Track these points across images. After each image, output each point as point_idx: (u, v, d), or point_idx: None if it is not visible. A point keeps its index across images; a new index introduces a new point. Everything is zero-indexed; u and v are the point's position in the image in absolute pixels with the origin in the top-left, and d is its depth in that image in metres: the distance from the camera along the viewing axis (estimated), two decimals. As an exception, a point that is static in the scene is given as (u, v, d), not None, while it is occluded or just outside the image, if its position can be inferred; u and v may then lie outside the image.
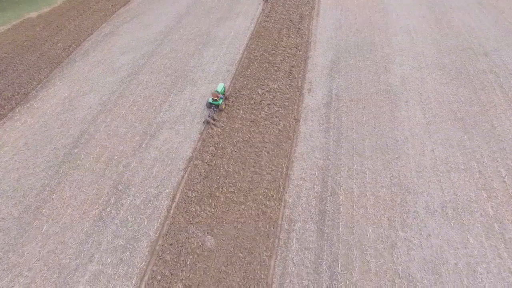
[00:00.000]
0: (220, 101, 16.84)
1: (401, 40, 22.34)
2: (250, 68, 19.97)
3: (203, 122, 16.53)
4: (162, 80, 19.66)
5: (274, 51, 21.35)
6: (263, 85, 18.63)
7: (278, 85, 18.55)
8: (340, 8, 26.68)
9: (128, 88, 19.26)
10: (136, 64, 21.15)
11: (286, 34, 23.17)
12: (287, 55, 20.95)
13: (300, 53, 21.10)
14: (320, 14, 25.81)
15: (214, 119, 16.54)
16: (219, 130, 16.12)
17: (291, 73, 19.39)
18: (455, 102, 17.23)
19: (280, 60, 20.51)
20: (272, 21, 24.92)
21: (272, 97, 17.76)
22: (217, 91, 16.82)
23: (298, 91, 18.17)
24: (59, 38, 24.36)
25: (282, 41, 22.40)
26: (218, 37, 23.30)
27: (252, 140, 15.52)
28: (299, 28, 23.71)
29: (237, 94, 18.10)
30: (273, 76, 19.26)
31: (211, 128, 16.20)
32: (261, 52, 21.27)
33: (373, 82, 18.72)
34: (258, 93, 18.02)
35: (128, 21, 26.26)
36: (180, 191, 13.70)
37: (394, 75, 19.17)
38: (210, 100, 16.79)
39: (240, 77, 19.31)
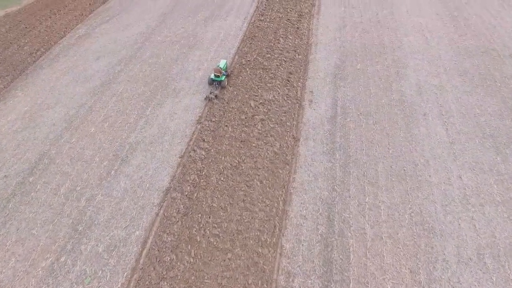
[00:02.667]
0: (223, 78, 16.39)
1: (414, 41, 19.87)
2: (242, 76, 17.48)
3: (205, 99, 16.13)
4: (139, 90, 17.17)
5: (269, 55, 18.86)
6: (256, 95, 16.15)
7: (274, 96, 16.08)
8: (343, 4, 24.15)
9: (100, 100, 16.77)
10: (111, 71, 18.64)
11: (283, 35, 20.66)
12: (285, 59, 18.46)
13: (300, 57, 18.61)
14: (321, 12, 23.29)
15: (216, 96, 16.08)
16: (203, 153, 13.66)
17: (289, 81, 16.91)
18: (482, 115, 14.81)
19: (277, 65, 18.02)
20: (268, 20, 22.40)
21: (266, 111, 15.29)
22: (219, 67, 16.36)
23: (297, 103, 15.71)
24: (26, 41, 21.82)
25: (278, 43, 19.89)
26: (205, 39, 20.77)
27: (242, 166, 13.07)
28: (297, 28, 21.20)
29: (226, 108, 15.62)
30: (268, 84, 16.78)
31: (212, 104, 15.84)
32: (255, 56, 18.78)
33: (384, 91, 16.27)
34: (251, 106, 15.56)
35: (107, 21, 23.70)
36: (153, 233, 11.28)
37: (409, 82, 16.72)
38: (213, 76, 16.33)
39: (230, 86, 16.83)
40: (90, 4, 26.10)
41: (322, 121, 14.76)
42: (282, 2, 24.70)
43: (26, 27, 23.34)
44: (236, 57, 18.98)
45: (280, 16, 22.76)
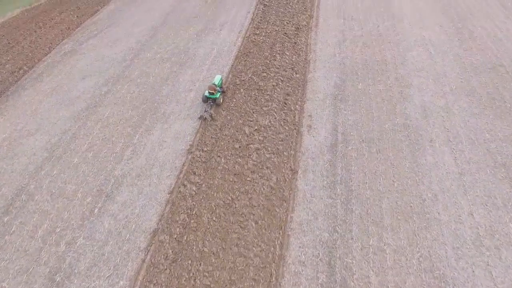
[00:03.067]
0: (218, 95, 15.84)
1: (417, 56, 19.09)
2: (236, 98, 16.64)
3: (199, 118, 15.62)
4: (126, 114, 16.30)
5: (265, 74, 18.02)
6: (251, 121, 15.31)
7: (270, 121, 15.24)
8: (342, 16, 23.35)
9: (84, 127, 15.89)
10: (97, 93, 17.76)
11: (279, 50, 19.84)
12: (281, 78, 17.63)
13: (297, 75, 17.78)
14: (319, 25, 22.47)
15: (212, 116, 15.58)
16: (194, 188, 12.80)
17: (286, 103, 16.08)
18: (492, 141, 14.04)
19: (273, 85, 17.18)
20: (263, 34, 21.57)
21: (262, 139, 14.45)
22: (214, 84, 15.82)
23: (295, 129, 14.88)
24: (8, 58, 20.93)
25: (275, 60, 19.06)
26: (198, 56, 19.92)
27: (235, 204, 12.22)
28: (295, 43, 20.38)
29: (218, 135, 14.77)
30: (264, 108, 15.94)
31: (206, 125, 15.31)
32: (250, 75, 17.94)
33: (387, 114, 15.46)
34: (245, 133, 14.71)
35: (94, 36, 22.81)
36: (138, 283, 10.40)
37: (413, 104, 15.92)
38: (207, 93, 15.78)
39: (223, 110, 15.99)
40: (77, 16, 25.22)
41: (322, 150, 13.92)
42: (279, 13, 23.88)
43: (8, 43, 22.44)
44: (230, 76, 18.14)
45: (277, 29, 21.94)
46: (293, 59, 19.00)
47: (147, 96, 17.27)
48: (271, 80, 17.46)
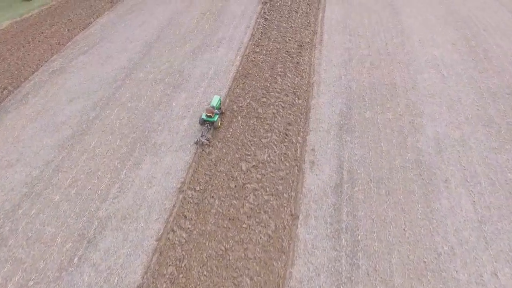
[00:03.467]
0: (216, 118, 15.20)
1: (429, 79, 18.01)
2: (233, 127, 15.63)
3: (195, 143, 14.93)
4: (114, 145, 15.31)
5: (265, 99, 17.00)
6: (248, 155, 14.28)
7: (269, 156, 14.20)
8: (348, 32, 22.30)
9: (68, 157, 14.92)
10: (84, 118, 16.80)
11: (281, 71, 18.81)
12: (282, 105, 16.60)
13: (300, 101, 16.74)
14: (324, 42, 21.42)
15: (208, 140, 14.94)
16: (184, 235, 11.77)
17: (287, 135, 15.04)
18: (514, 182, 12.90)
19: (273, 113, 16.15)
20: (264, 52, 20.55)
21: (260, 177, 13.41)
22: (212, 106, 15.20)
23: (296, 165, 13.82)
24: (-7, 77, 20.01)
25: (275, 82, 18.03)
26: (193, 77, 18.92)
27: (229, 255, 11.19)
28: (297, 63, 19.35)
29: (213, 172, 13.74)
30: (263, 140, 14.90)
31: (203, 149, 14.67)
32: (248, 101, 16.92)
33: (397, 148, 14.37)
34: (242, 170, 13.68)
35: (85, 52, 21.87)
36: None
37: (426, 136, 14.83)
38: (204, 116, 15.14)
39: (219, 142, 14.97)
40: (68, 30, 24.31)
41: (326, 191, 12.85)
42: (280, 29, 22.86)
43: (-5, 59, 21.56)
44: (228, 100, 17.13)
45: (278, 47, 20.91)
46: (296, 82, 17.96)
47: (137, 123, 16.29)
48: (271, 107, 16.42)
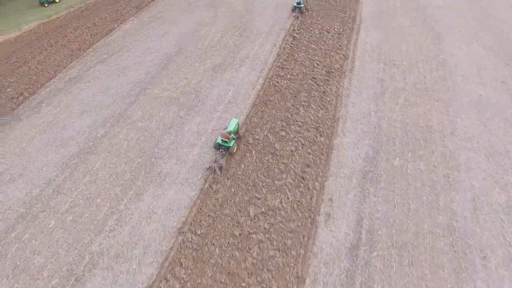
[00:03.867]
0: (232, 143, 14.47)
1: (471, 125, 16.26)
2: (245, 162, 14.62)
3: (207, 169, 14.32)
4: (119, 169, 14.70)
5: (284, 133, 15.87)
6: (258, 198, 13.21)
7: (280, 202, 13.08)
8: (383, 60, 20.77)
9: (70, 178, 14.45)
10: (92, 135, 16.34)
11: (305, 101, 17.61)
12: (302, 141, 15.41)
13: (322, 139, 15.49)
14: (355, 69, 20.02)
15: (221, 168, 14.18)
16: (177, 286, 10.85)
17: (303, 178, 13.86)
18: None
19: (291, 151, 14.99)
20: (288, 76, 19.42)
21: (268, 227, 12.32)
22: (229, 132, 14.43)
23: (310, 216, 12.61)
24: (12, 80, 20.11)
25: (298, 113, 16.87)
26: (210, 98, 18.10)
27: (223, 321, 10.14)
28: (324, 92, 18.08)
29: (218, 213, 12.78)
30: (276, 182, 13.79)
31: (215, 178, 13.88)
32: (265, 133, 15.86)
33: (428, 207, 12.85)
34: (249, 216, 12.63)
35: (104, 60, 21.60)
36: None
37: (462, 195, 13.19)
38: (219, 141, 14.45)
39: (228, 179, 13.98)
40: (91, 35, 24.23)
41: (340, 253, 11.56)
42: (309, 50, 21.65)
43: (17, 61, 21.73)
44: (243, 130, 16.11)
45: (304, 71, 19.71)
46: (320, 115, 16.71)
47: (145, 146, 15.61)
48: (290, 143, 15.27)
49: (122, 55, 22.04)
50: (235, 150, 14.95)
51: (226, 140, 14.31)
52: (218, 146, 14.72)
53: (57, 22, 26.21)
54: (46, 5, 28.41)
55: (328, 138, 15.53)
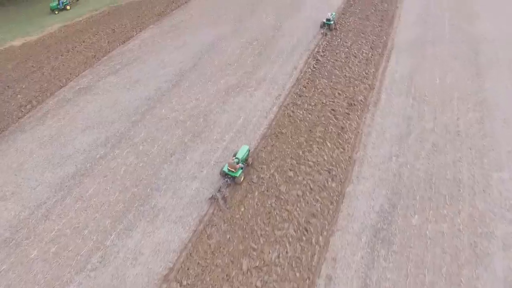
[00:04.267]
0: (239, 172, 13.86)
1: (509, 182, 14.37)
2: (245, 205, 13.60)
3: (209, 198, 13.73)
4: (112, 197, 14.09)
5: (292, 173, 14.73)
6: (254, 249, 12.17)
7: (278, 256, 11.97)
8: (412, 94, 19.15)
9: (61, 203, 14.00)
10: (92, 155, 15.88)
11: (320, 137, 16.36)
12: (311, 185, 14.21)
13: (333, 185, 14.21)
14: (380, 103, 18.53)
15: (225, 199, 13.59)
16: None
17: (307, 230, 12.67)
18: None
19: (297, 195, 13.83)
20: (306, 105, 18.23)
21: (260, 284, 11.28)
22: (237, 159, 13.86)
23: (308, 278, 11.44)
24: (24, 86, 20.21)
25: (310, 151, 15.66)
26: (217, 125, 17.23)
27: None
28: (342, 128, 16.76)
29: (207, 264, 11.81)
30: (276, 231, 12.68)
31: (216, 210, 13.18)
32: (272, 172, 14.78)
33: (447, 284, 11.30)
34: (241, 269, 11.62)
35: (116, 72, 21.28)
36: None
37: (491, 273, 11.58)
38: (226, 169, 13.89)
39: (224, 223, 12.99)
40: (108, 42, 24.08)
41: (338, 330, 10.28)
42: (332, 77, 20.33)
43: (32, 66, 21.91)
44: (252, 158, 15.06)
45: (324, 101, 18.43)
46: (334, 155, 15.42)
47: (143, 174, 14.93)
48: (297, 186, 14.09)
49: (136, 66, 21.63)
50: (242, 180, 14.22)
51: (233, 170, 13.70)
52: (224, 174, 13.98)
53: (79, 26, 26.34)
54: (56, 12, 28.12)
55: (340, 184, 14.21)
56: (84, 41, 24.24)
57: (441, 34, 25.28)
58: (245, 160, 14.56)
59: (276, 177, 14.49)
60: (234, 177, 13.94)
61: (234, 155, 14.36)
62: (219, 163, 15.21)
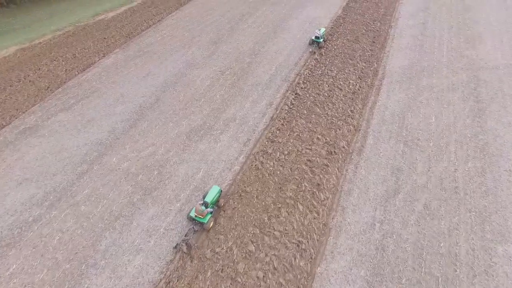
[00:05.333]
0: (207, 218, 13.06)
1: (515, 260, 12.40)
2: (193, 292, 11.57)
3: (174, 248, 12.72)
4: (37, 277, 12.17)
5: (254, 246, 12.77)
6: None
7: None
8: (404, 137, 17.23)
9: (-24, 285, 11.98)
10: (23, 218, 13.96)
11: (291, 197, 14.41)
12: (275, 264, 12.24)
13: (301, 263, 12.23)
14: (365, 150, 16.59)
15: (190, 247, 12.60)
16: None
17: (264, 330, 10.62)
18: None
19: (257, 278, 11.86)
20: (278, 154, 16.29)
21: None
22: (205, 203, 13.01)
23: None
24: (-40, 127, 18.23)
25: (278, 216, 13.71)
26: (173, 179, 15.30)
27: None
28: (318, 186, 14.83)
29: None
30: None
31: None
32: (230, 244, 12.80)
33: None
34: None
35: (69, 108, 19.37)
36: None
37: None
38: (192, 214, 13.11)
39: (164, 318, 10.99)
40: (66, 70, 22.21)
41: None
42: (311, 116, 18.41)
43: (-23, 99, 19.98)
44: (203, 235, 13.12)
45: (300, 149, 16.48)
46: (306, 222, 13.45)
47: (79, 246, 12.97)
48: (258, 265, 12.11)
49: (92, 101, 19.73)
50: (210, 226, 13.26)
51: (201, 216, 12.85)
52: (191, 219, 13.22)
53: (37, 49, 24.52)
54: None
55: (310, 262, 12.22)
56: (39, 69, 22.39)
57: (438, 59, 23.40)
58: (214, 203, 13.66)
59: (234, 252, 12.50)
60: (202, 223, 13.01)
61: (204, 197, 13.47)
62: (170, 230, 13.26)
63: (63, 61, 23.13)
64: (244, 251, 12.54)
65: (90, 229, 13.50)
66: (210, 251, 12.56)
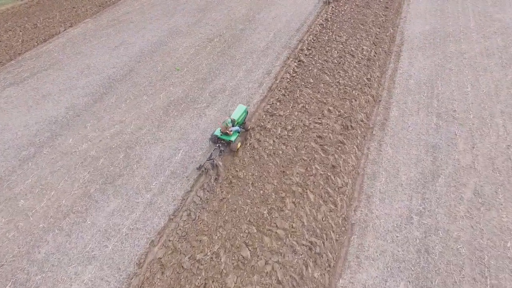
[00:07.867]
0: (234, 136, 11.53)
1: None
2: (162, 318, 8.04)
3: (197, 169, 11.13)
4: None
5: (249, 251, 9.22)
6: None
7: None
8: (435, 110, 13.75)
9: None
10: None
11: (298, 183, 10.88)
12: (279, 274, 8.71)
13: (316, 274, 8.73)
14: (389, 124, 13.07)
15: (217, 167, 10.91)
16: None
17: None
18: None
19: (254, 296, 8.31)
20: (280, 129, 12.75)
21: None
22: (231, 120, 11.35)
23: None
24: None
25: (282, 208, 10.20)
26: (144, 163, 11.79)
27: None
28: (333, 168, 11.28)
29: None
30: None
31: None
32: (216, 249, 9.26)
33: None
34: None
35: (22, 81, 15.77)
36: None
37: None
38: (218, 133, 11.54)
39: None
40: (23, 41, 18.59)
41: None
42: (319, 85, 14.82)
43: None
44: (174, 233, 9.60)
45: (306, 123, 12.91)
46: (320, 217, 9.90)
47: (9, 255, 9.40)
48: (256, 277, 8.57)
49: (50, 74, 16.09)
50: (238, 146, 11.69)
51: (227, 132, 11.29)
52: (215, 140, 11.70)
53: (-9, 20, 20.82)
54: None
55: (328, 272, 8.71)
56: (-3, 38, 18.76)
57: (465, 24, 19.86)
58: (242, 123, 12.26)
59: (222, 259, 8.97)
60: (228, 142, 11.63)
61: (224, 122, 11.48)
62: (136, 230, 9.73)
63: (20, 31, 19.44)
64: (236, 257, 8.99)
65: (27, 231, 9.94)
66: (189, 258, 9.02)
